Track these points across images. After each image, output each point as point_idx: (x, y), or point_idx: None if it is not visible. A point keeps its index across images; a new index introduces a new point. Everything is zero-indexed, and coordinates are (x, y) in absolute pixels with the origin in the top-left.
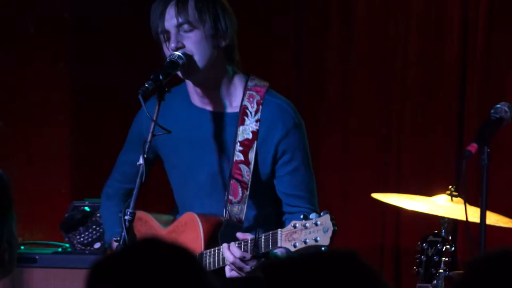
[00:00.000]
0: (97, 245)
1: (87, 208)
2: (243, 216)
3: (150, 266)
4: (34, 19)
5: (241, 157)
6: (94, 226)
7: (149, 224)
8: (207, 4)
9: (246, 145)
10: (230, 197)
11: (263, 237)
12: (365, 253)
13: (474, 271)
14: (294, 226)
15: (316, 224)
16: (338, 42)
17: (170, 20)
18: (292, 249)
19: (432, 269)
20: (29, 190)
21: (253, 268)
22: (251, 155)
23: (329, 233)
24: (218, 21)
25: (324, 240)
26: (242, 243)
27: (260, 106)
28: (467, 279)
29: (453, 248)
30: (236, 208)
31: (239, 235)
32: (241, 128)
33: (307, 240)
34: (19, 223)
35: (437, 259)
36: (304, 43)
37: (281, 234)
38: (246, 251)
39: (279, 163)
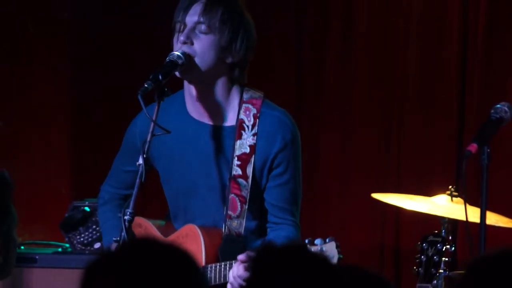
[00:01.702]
0: (97, 245)
1: (87, 208)
2: (242, 230)
3: (145, 266)
4: (34, 19)
5: (239, 172)
6: (94, 226)
7: (149, 230)
8: (232, 19)
9: (244, 160)
10: (229, 212)
11: None
12: (365, 253)
13: (474, 272)
14: None
15: (321, 251)
16: (338, 42)
17: (193, 15)
18: None
19: (432, 269)
20: (29, 190)
21: None
22: (249, 169)
23: (334, 261)
24: (235, 39)
25: None
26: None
27: (257, 120)
28: (468, 279)
29: (453, 248)
30: (235, 223)
31: (240, 256)
32: (238, 142)
33: None
34: (19, 223)
35: (437, 259)
36: (304, 43)
37: None
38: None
39: (271, 174)
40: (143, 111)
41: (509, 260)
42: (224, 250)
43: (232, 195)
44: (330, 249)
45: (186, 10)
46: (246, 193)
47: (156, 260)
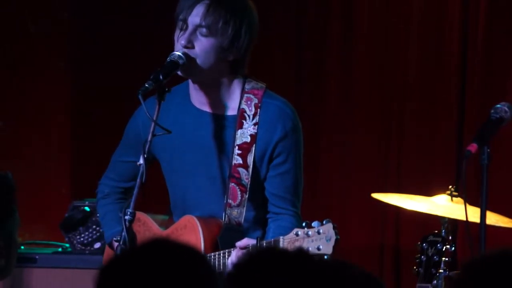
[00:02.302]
0: (97, 245)
1: (87, 208)
2: (242, 220)
3: (161, 267)
4: (34, 19)
5: (240, 161)
6: (94, 226)
7: (148, 225)
8: (235, 17)
9: (245, 149)
10: (230, 201)
11: (264, 244)
12: (365, 253)
13: (470, 272)
14: (297, 234)
15: (318, 233)
16: (338, 43)
17: (195, 16)
18: None
19: (432, 269)
20: (29, 190)
21: None
22: (250, 159)
23: (332, 242)
24: (238, 37)
25: (326, 249)
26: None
27: (258, 109)
28: (464, 280)
29: (453, 248)
30: (235, 212)
31: (239, 243)
32: (239, 131)
33: (310, 248)
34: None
35: (437, 259)
36: (304, 43)
37: (283, 242)
38: None
39: (273, 163)
40: (146, 101)
41: (505, 261)
42: (224, 239)
43: (233, 184)
44: (328, 230)
45: (189, 9)
46: (246, 182)
47: (172, 263)
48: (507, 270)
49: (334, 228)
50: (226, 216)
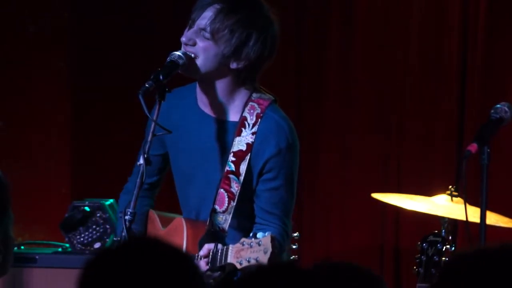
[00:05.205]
0: (97, 245)
1: (87, 208)
2: (226, 226)
3: (145, 265)
4: (34, 19)
5: (232, 168)
6: (94, 226)
7: (154, 223)
8: (243, 28)
9: (239, 156)
10: (216, 207)
11: (219, 251)
12: (365, 253)
13: (450, 271)
14: (243, 244)
15: (259, 244)
16: (338, 45)
17: (203, 19)
18: (238, 266)
19: (432, 269)
20: (29, 190)
21: (212, 280)
22: (243, 167)
23: (268, 255)
24: (243, 47)
25: (263, 260)
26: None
27: (259, 120)
28: (443, 279)
29: (453, 248)
30: (220, 218)
31: (201, 252)
32: (237, 139)
33: (251, 259)
34: (19, 223)
35: (437, 259)
36: (304, 46)
37: (232, 250)
38: (207, 263)
39: (262, 177)
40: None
41: (486, 260)
42: (203, 244)
43: (222, 190)
44: (266, 243)
45: (200, 10)
46: (236, 190)
47: (154, 262)
48: (485, 269)
49: (271, 240)
50: (211, 221)
